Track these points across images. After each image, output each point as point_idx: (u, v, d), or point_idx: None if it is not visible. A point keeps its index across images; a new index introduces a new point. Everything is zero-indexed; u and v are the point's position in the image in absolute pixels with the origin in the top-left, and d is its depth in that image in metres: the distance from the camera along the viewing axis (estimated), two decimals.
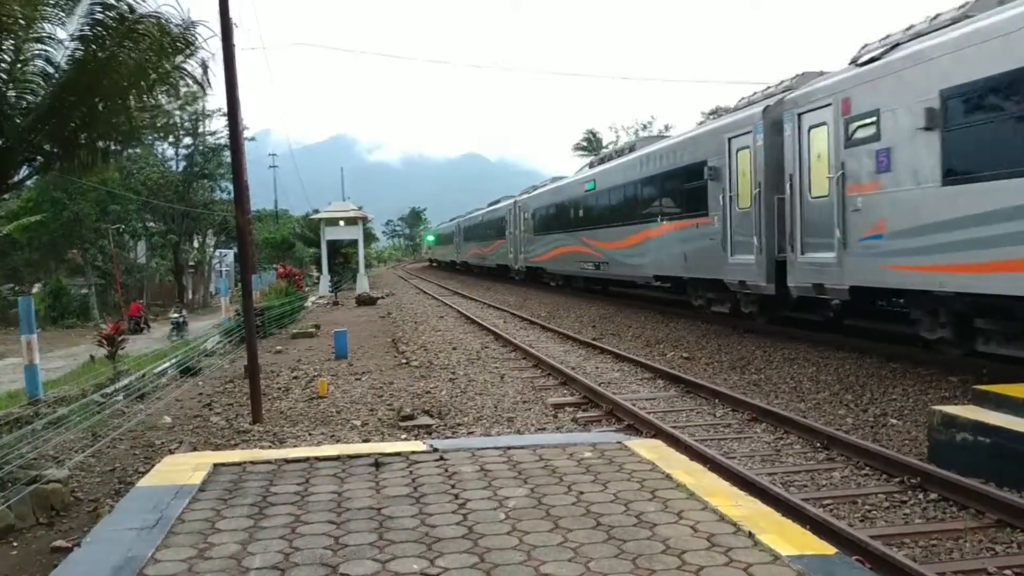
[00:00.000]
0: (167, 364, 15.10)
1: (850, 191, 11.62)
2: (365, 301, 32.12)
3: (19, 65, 8.77)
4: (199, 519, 4.41)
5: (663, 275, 19.78)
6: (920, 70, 10.18)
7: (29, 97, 8.99)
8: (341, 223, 41.47)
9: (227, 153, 40.76)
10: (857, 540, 5.23)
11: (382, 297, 35.42)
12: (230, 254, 47.52)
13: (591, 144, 67.31)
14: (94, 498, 7.26)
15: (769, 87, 15.51)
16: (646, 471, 5.12)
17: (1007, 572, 4.97)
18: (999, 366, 10.15)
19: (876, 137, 11.04)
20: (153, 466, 6.15)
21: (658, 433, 8.25)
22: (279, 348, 18.00)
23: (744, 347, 14.37)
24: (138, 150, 37.97)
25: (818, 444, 7.93)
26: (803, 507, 5.87)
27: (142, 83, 9.07)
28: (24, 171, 9.80)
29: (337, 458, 5.65)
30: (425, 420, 9.57)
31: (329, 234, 41.43)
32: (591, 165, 28.75)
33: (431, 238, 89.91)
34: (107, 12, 8.50)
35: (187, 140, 46.14)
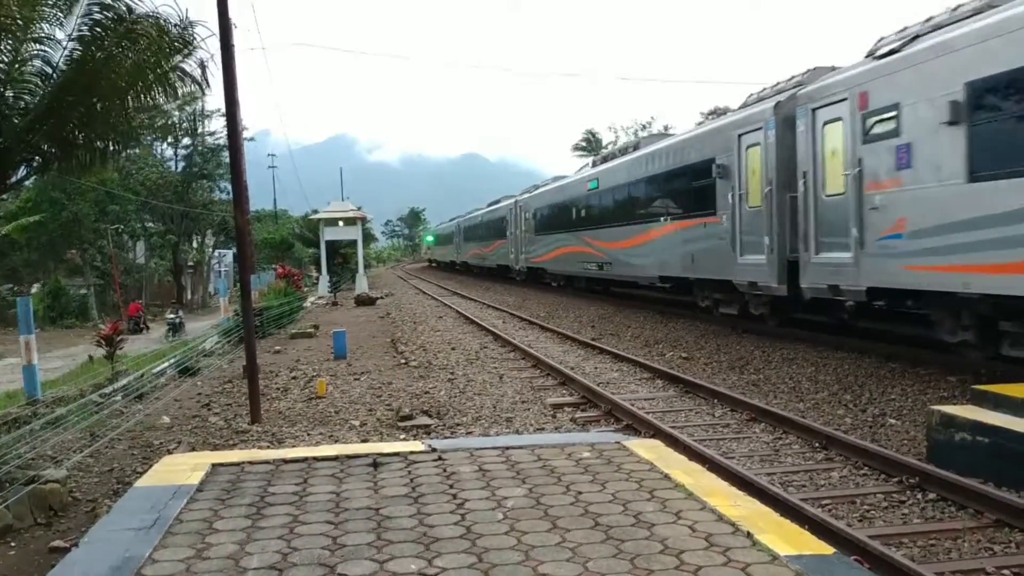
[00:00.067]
0: (166, 364, 15.11)
1: (868, 189, 11.17)
2: (364, 301, 32.08)
3: (17, 65, 8.76)
4: (197, 519, 4.41)
5: (669, 276, 19.20)
6: (944, 62, 9.72)
7: (27, 97, 8.99)
8: (340, 223, 41.44)
9: (226, 153, 40.67)
10: (856, 540, 5.23)
11: (381, 297, 35.39)
12: (229, 254, 47.50)
13: (591, 144, 67.29)
14: (92, 498, 7.27)
15: (779, 83, 15.07)
16: (644, 471, 5.12)
17: (1005, 572, 4.97)
18: (999, 366, 10.14)
19: (896, 132, 10.58)
20: (151, 466, 6.15)
21: (657, 433, 8.25)
22: (278, 348, 17.99)
23: (743, 347, 14.37)
24: (137, 150, 38.04)
25: (817, 444, 7.93)
26: (801, 507, 5.88)
27: (140, 83, 9.08)
28: (22, 171, 9.79)
29: (335, 458, 5.65)
30: (424, 420, 9.56)
31: (328, 234, 41.41)
32: (593, 164, 28.24)
33: (430, 238, 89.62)
34: (105, 12, 8.51)
35: (186, 140, 46.32)
